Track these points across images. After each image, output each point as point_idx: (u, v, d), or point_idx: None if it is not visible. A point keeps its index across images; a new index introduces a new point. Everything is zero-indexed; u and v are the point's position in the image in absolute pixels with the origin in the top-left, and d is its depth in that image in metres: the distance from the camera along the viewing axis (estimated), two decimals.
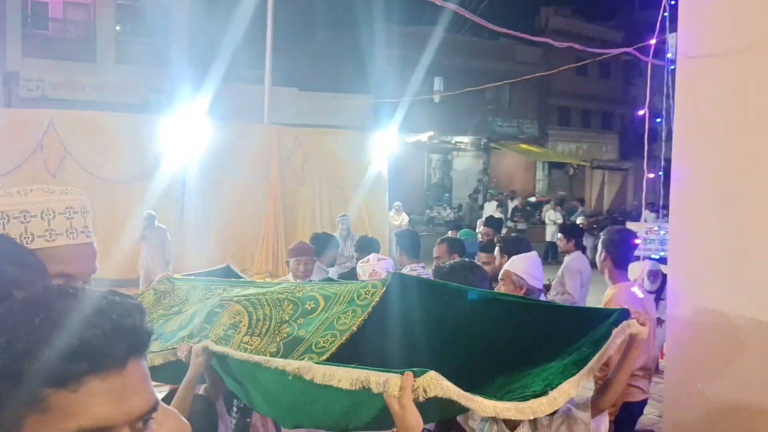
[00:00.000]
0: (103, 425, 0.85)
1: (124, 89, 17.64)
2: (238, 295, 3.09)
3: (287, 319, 2.86)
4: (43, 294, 0.90)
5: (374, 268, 4.04)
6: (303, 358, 2.55)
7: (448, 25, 19.11)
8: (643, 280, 5.26)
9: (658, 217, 16.26)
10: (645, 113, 4.16)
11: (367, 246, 5.89)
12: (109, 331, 0.85)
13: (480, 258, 5.15)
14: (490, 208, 17.09)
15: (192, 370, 2.48)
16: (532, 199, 22.65)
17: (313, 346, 2.67)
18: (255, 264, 13.07)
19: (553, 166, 28.31)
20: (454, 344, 2.61)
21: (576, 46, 5.64)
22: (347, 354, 2.53)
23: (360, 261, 4.35)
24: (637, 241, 4.35)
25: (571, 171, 27.89)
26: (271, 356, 2.54)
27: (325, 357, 2.55)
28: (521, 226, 16.97)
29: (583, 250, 6.51)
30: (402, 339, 2.63)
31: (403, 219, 14.97)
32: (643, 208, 4.97)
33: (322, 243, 6.00)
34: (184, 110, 12.64)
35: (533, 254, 4.13)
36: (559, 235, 6.75)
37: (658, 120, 4.79)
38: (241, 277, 3.85)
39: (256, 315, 2.92)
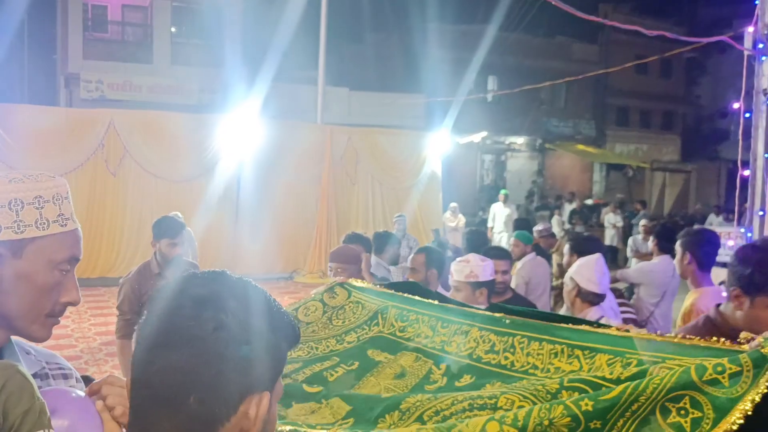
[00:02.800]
0: None
1: (179, 90, 17.87)
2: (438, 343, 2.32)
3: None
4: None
5: (473, 269, 3.63)
6: None
7: (502, 24, 18.77)
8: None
9: (724, 221, 15.57)
10: (740, 106, 3.82)
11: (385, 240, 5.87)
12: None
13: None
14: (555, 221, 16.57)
15: None
16: (589, 202, 22.03)
17: None
18: (308, 265, 13.03)
19: (611, 167, 27.51)
20: None
21: (666, 34, 5.26)
22: None
23: (458, 259, 3.81)
24: (729, 243, 4.01)
25: (630, 173, 27.05)
26: None
27: None
28: (579, 229, 16.47)
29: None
30: None
31: (460, 220, 14.71)
32: (736, 209, 4.59)
33: (382, 240, 5.94)
34: (238, 110, 12.68)
35: (594, 257, 3.83)
36: (651, 238, 6.15)
37: (747, 115, 4.44)
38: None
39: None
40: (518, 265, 6.30)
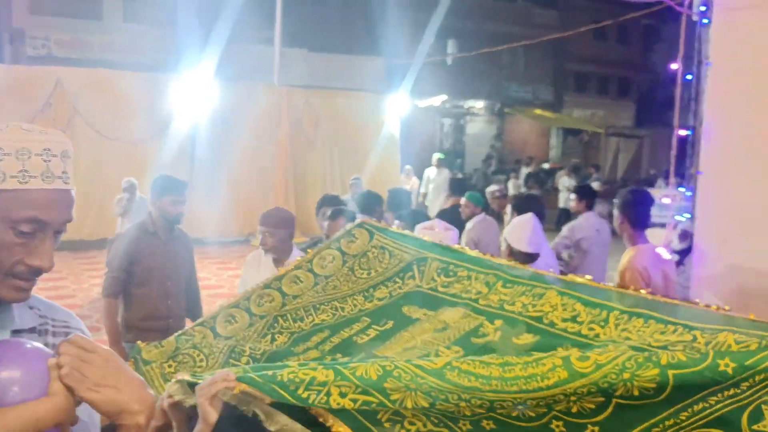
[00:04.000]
0: None
1: (131, 48, 17.37)
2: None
3: None
4: None
5: (441, 239, 3.52)
6: None
7: None
8: (671, 242, 5.08)
9: (665, 185, 15.93)
10: (679, 68, 3.91)
11: (373, 202, 5.78)
12: None
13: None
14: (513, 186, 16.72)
15: None
16: (546, 166, 22.34)
17: None
18: None
19: (568, 132, 27.87)
20: None
21: None
22: None
23: (422, 227, 3.68)
24: (664, 200, 4.16)
25: (586, 138, 27.48)
26: None
27: None
28: (534, 192, 16.73)
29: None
30: None
31: (414, 183, 14.74)
32: (672, 172, 4.75)
33: (327, 203, 5.94)
34: (193, 71, 12.43)
35: (525, 216, 3.92)
36: (572, 195, 6.62)
37: (689, 77, 4.55)
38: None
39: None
40: (468, 225, 6.40)
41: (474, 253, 2.29)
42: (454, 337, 1.93)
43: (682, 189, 4.40)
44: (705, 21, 4.51)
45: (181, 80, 12.11)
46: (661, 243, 4.29)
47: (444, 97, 23.47)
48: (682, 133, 3.96)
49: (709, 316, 1.65)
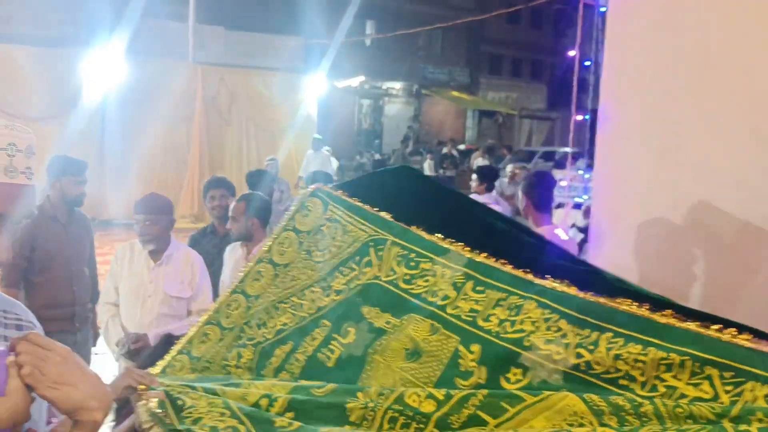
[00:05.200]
0: None
1: (36, 21, 16.48)
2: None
3: None
4: None
5: None
6: None
7: None
8: (575, 221, 5.37)
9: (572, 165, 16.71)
10: (576, 54, 4.15)
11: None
12: None
13: None
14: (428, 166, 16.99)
15: None
16: (462, 147, 22.81)
17: None
18: (179, 208, 12.72)
19: (483, 114, 28.52)
20: None
21: None
22: None
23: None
24: (562, 183, 4.40)
25: (500, 119, 28.20)
26: None
27: None
28: (450, 173, 17.11)
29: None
30: None
31: (333, 164, 14.76)
32: (570, 151, 5.03)
33: (255, 179, 6.00)
34: (103, 46, 11.96)
35: None
36: (474, 176, 6.84)
37: (587, 63, 4.83)
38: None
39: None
40: None
41: (434, 238, 2.00)
42: (434, 373, 1.70)
43: (580, 171, 4.67)
44: (603, 9, 4.78)
45: (90, 56, 11.65)
46: (558, 223, 4.50)
47: (362, 78, 23.52)
48: (579, 117, 4.21)
49: (723, 348, 1.34)
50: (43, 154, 6.18)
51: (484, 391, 1.54)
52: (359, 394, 1.64)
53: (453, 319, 1.76)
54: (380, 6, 22.59)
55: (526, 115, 28.93)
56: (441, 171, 16.95)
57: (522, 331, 1.62)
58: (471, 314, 1.74)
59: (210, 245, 4.54)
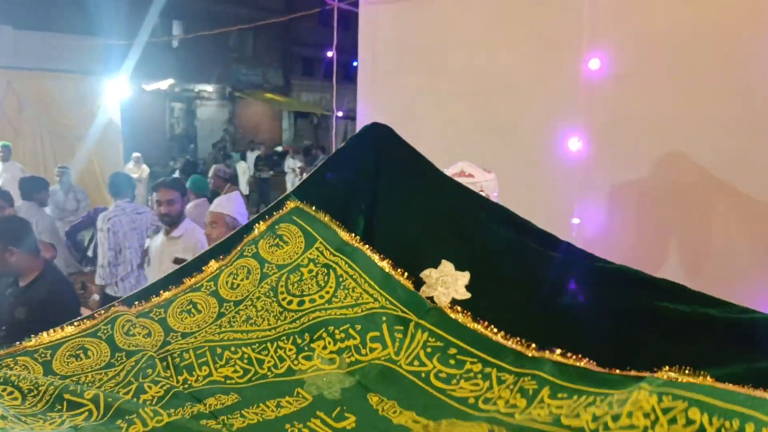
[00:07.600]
0: None
1: None
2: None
3: None
4: None
5: (482, 186, 2.56)
6: None
7: None
8: None
9: None
10: (333, 55, 4.54)
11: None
12: None
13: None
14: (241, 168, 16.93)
15: None
16: (279, 149, 22.96)
17: None
18: None
19: (299, 115, 28.83)
20: None
21: None
22: None
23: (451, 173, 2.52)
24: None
25: (316, 121, 28.70)
26: None
27: None
28: (265, 175, 17.25)
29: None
30: None
31: (143, 171, 14.27)
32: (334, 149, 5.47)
33: (29, 184, 5.84)
34: None
35: (237, 194, 4.39)
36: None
37: (355, 64, 5.27)
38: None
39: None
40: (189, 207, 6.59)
41: (480, 329, 1.61)
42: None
43: None
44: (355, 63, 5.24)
45: None
46: None
47: (171, 80, 22.86)
48: (340, 114, 4.61)
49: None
50: None
51: None
52: None
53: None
54: (187, 7, 22.10)
55: (342, 117, 29.69)
56: (256, 173, 17.03)
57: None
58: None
59: None
